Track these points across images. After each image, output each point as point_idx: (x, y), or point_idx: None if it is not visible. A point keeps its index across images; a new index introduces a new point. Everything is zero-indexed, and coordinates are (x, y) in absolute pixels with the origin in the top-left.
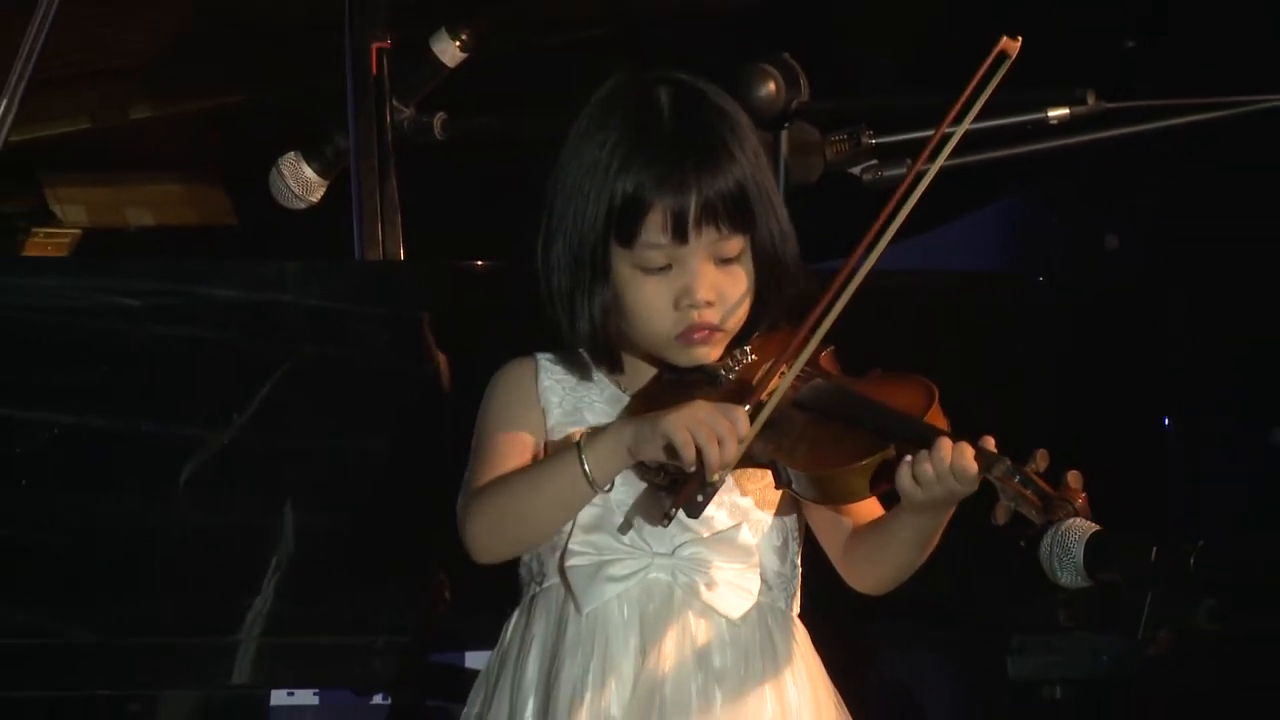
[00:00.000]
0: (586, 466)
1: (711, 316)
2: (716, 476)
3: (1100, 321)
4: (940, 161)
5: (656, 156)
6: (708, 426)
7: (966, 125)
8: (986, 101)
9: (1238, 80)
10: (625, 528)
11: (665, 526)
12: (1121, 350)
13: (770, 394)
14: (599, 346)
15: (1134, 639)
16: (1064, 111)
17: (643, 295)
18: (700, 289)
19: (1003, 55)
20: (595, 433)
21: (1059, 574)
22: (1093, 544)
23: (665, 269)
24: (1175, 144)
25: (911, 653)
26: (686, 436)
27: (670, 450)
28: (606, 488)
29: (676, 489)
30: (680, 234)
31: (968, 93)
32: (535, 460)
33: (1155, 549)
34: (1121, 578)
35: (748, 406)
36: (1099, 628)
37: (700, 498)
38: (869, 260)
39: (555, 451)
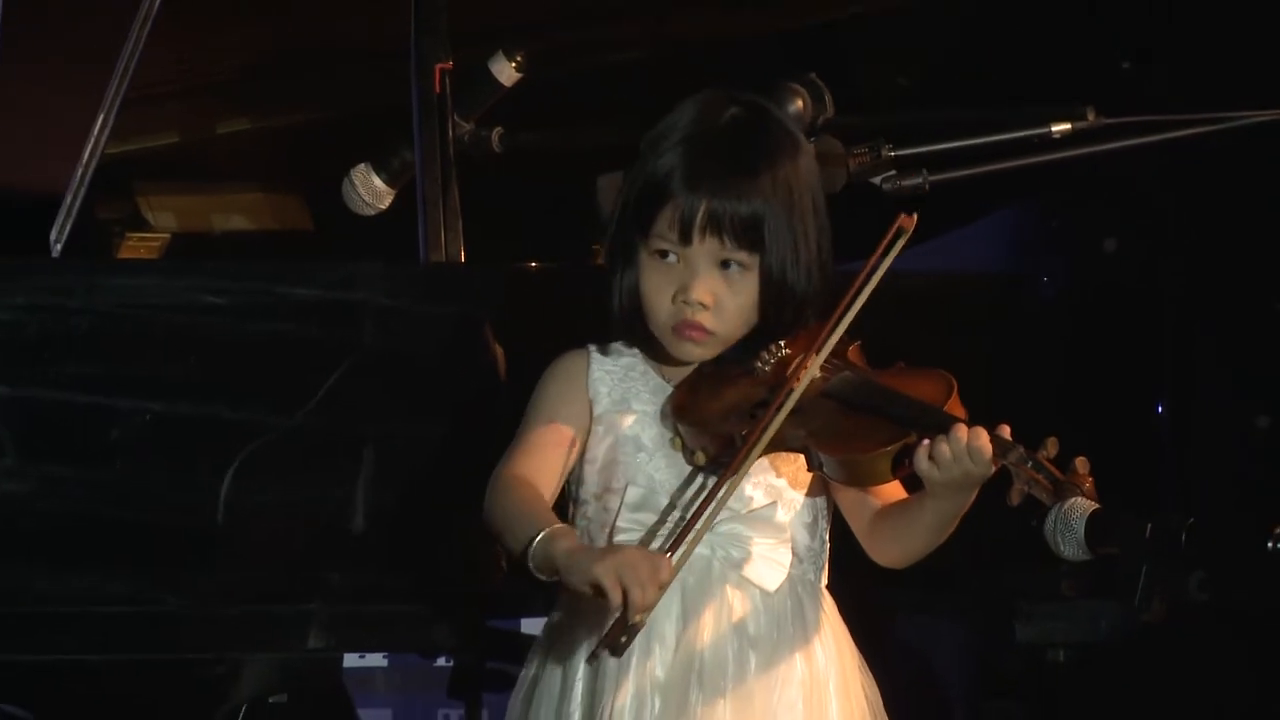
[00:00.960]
0: (530, 553)
1: (704, 318)
2: (639, 618)
3: (1098, 317)
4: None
5: (687, 155)
6: (633, 572)
7: (874, 284)
8: (995, 120)
9: (1222, 97)
10: (669, 508)
11: (593, 666)
12: (1117, 343)
13: (795, 386)
14: (625, 321)
15: (1130, 607)
16: (1066, 126)
17: (650, 282)
18: (696, 289)
19: (900, 230)
20: (553, 536)
21: (1062, 548)
22: (1093, 521)
23: (674, 263)
24: (1167, 155)
25: (928, 619)
26: (614, 581)
27: (597, 590)
28: (551, 579)
29: (605, 630)
30: (685, 235)
31: (873, 260)
32: (574, 452)
33: (1150, 525)
34: (1119, 551)
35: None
36: (1098, 597)
37: (624, 638)
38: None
39: (601, 438)
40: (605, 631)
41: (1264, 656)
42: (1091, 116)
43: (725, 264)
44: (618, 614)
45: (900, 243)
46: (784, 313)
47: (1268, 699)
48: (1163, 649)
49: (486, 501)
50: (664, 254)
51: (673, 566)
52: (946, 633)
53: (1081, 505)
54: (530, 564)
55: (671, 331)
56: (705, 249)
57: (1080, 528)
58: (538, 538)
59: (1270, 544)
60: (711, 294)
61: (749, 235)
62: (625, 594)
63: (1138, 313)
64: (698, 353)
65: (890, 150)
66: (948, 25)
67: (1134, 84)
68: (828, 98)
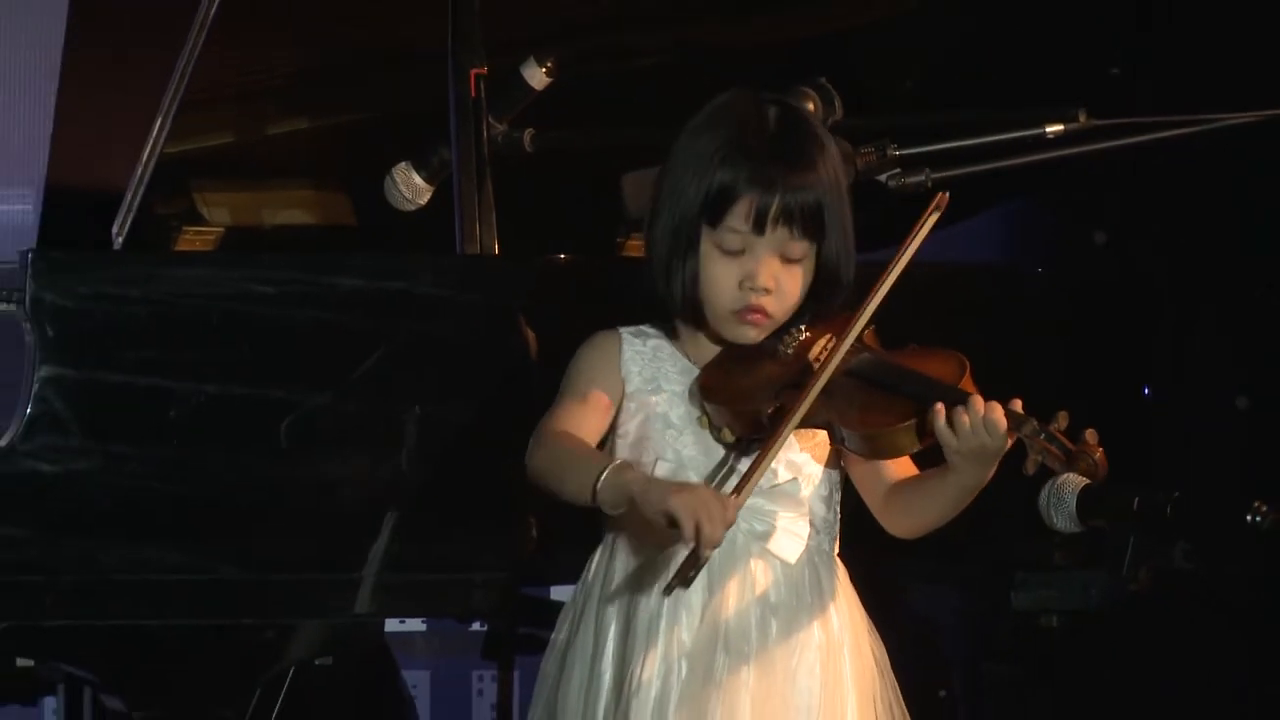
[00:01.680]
0: (598, 486)
1: (766, 302)
2: (708, 553)
3: (1089, 305)
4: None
5: (755, 157)
6: (705, 508)
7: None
8: (993, 122)
9: (1203, 100)
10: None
11: (667, 597)
12: (1107, 329)
13: (824, 366)
14: (688, 306)
15: (1119, 576)
16: (1059, 127)
17: (715, 270)
18: (762, 275)
19: (936, 207)
20: (620, 468)
21: (1055, 520)
22: (1084, 495)
23: (739, 253)
24: (1153, 154)
25: (931, 587)
26: (689, 514)
27: (670, 520)
28: (617, 510)
29: (677, 566)
30: (759, 226)
31: (908, 240)
32: (605, 422)
33: (1137, 499)
34: (1108, 524)
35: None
36: (1089, 566)
37: (693, 572)
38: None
39: (632, 415)
40: (676, 569)
41: (1246, 621)
42: (1083, 118)
43: (784, 257)
44: (689, 549)
45: (934, 219)
46: (834, 295)
47: (1251, 663)
48: (1149, 615)
49: (533, 456)
50: (726, 247)
51: (737, 507)
52: (948, 599)
53: (1073, 481)
54: (599, 495)
55: (733, 315)
56: (774, 238)
57: (1072, 501)
58: (607, 470)
59: (1249, 516)
60: (774, 279)
61: (813, 223)
62: (697, 528)
63: (1126, 301)
64: (754, 335)
65: (895, 150)
66: (948, 33)
67: (1123, 88)
68: (837, 101)
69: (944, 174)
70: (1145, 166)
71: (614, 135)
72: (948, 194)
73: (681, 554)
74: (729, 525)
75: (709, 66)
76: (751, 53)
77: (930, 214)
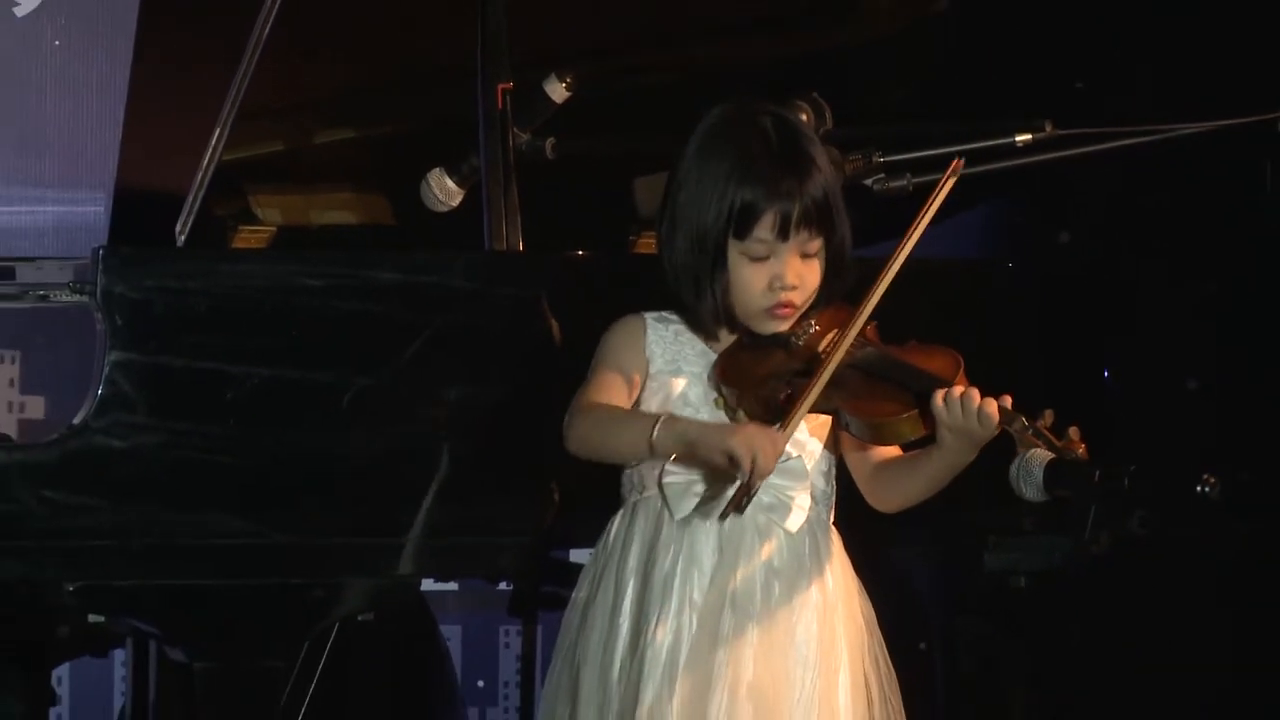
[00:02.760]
0: (654, 437)
1: (794, 297)
2: (759, 482)
3: (1054, 296)
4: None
5: (768, 174)
6: (759, 442)
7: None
8: (968, 131)
9: (1157, 112)
10: None
11: (723, 522)
12: (1070, 318)
13: (832, 356)
14: (721, 316)
15: (1081, 541)
16: (1028, 136)
17: (744, 276)
18: (789, 275)
19: (953, 172)
20: (672, 419)
21: (1024, 491)
22: (1050, 468)
23: (764, 258)
24: (1113, 161)
25: (912, 551)
26: (745, 452)
27: (730, 458)
28: (671, 456)
29: (731, 496)
30: (784, 233)
31: (936, 191)
32: (633, 397)
33: (1098, 472)
34: (1072, 494)
35: (796, 411)
36: (1054, 532)
37: (746, 500)
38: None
39: (654, 394)
40: (730, 498)
41: (1196, 580)
42: (1049, 128)
43: (803, 254)
44: (743, 482)
45: (952, 182)
46: (842, 280)
47: (1199, 618)
48: (1107, 575)
49: (572, 427)
50: (753, 255)
51: (786, 442)
52: (927, 563)
53: (1040, 455)
54: (655, 443)
55: (765, 312)
56: (797, 241)
57: (1039, 474)
58: (659, 422)
59: (1199, 487)
60: (799, 275)
61: (824, 218)
62: (754, 462)
63: (1087, 293)
64: (784, 326)
65: (880, 157)
66: (928, 51)
67: (1085, 101)
68: (827, 112)
69: (923, 179)
70: (1105, 172)
71: (626, 143)
72: (963, 160)
73: (727, 490)
74: (779, 457)
75: (712, 81)
76: (750, 68)
77: (947, 178)
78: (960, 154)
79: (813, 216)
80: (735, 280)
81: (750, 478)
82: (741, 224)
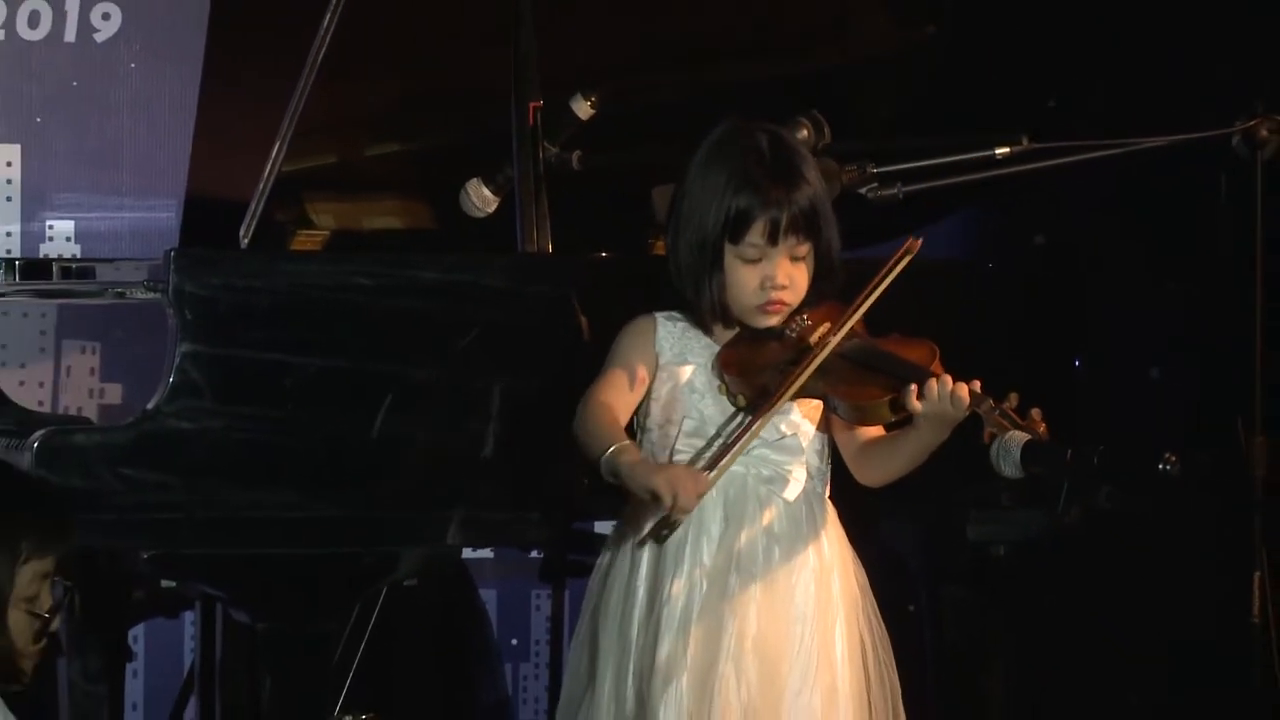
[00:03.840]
0: (602, 461)
1: (784, 296)
2: (681, 516)
3: (1030, 294)
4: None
5: (762, 184)
6: (679, 483)
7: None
8: (953, 144)
9: (1123, 127)
10: (715, 436)
11: (640, 549)
12: (1045, 313)
13: (820, 349)
14: (718, 312)
15: (1054, 514)
16: (1006, 149)
17: (739, 276)
18: (779, 276)
19: (907, 251)
20: (619, 450)
21: (1003, 469)
22: (1026, 448)
23: (757, 260)
24: (1083, 171)
25: (901, 523)
26: (666, 490)
27: (653, 495)
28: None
29: (651, 524)
30: (774, 238)
31: (882, 273)
32: (638, 391)
33: (1070, 452)
34: (1046, 472)
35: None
36: (1030, 507)
37: (665, 530)
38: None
39: (664, 382)
40: (652, 525)
41: (1157, 550)
42: (1025, 142)
43: (793, 257)
44: (664, 513)
45: (906, 260)
46: (831, 281)
47: (1157, 584)
48: (1077, 545)
49: (576, 419)
50: (747, 258)
51: (709, 481)
52: (914, 533)
53: (1017, 437)
54: (601, 470)
55: (757, 309)
56: (785, 245)
57: (1017, 454)
58: (608, 451)
59: (1161, 465)
60: (789, 276)
61: (812, 226)
62: (675, 499)
63: (1060, 291)
64: (775, 321)
65: (873, 168)
66: (917, 72)
67: (1057, 117)
68: (826, 128)
69: (913, 187)
70: (1076, 181)
71: (644, 156)
72: (920, 240)
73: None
74: (700, 495)
75: (723, 99)
76: (756, 88)
77: (901, 256)
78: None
79: (800, 224)
80: (731, 280)
81: (671, 513)
82: (736, 229)
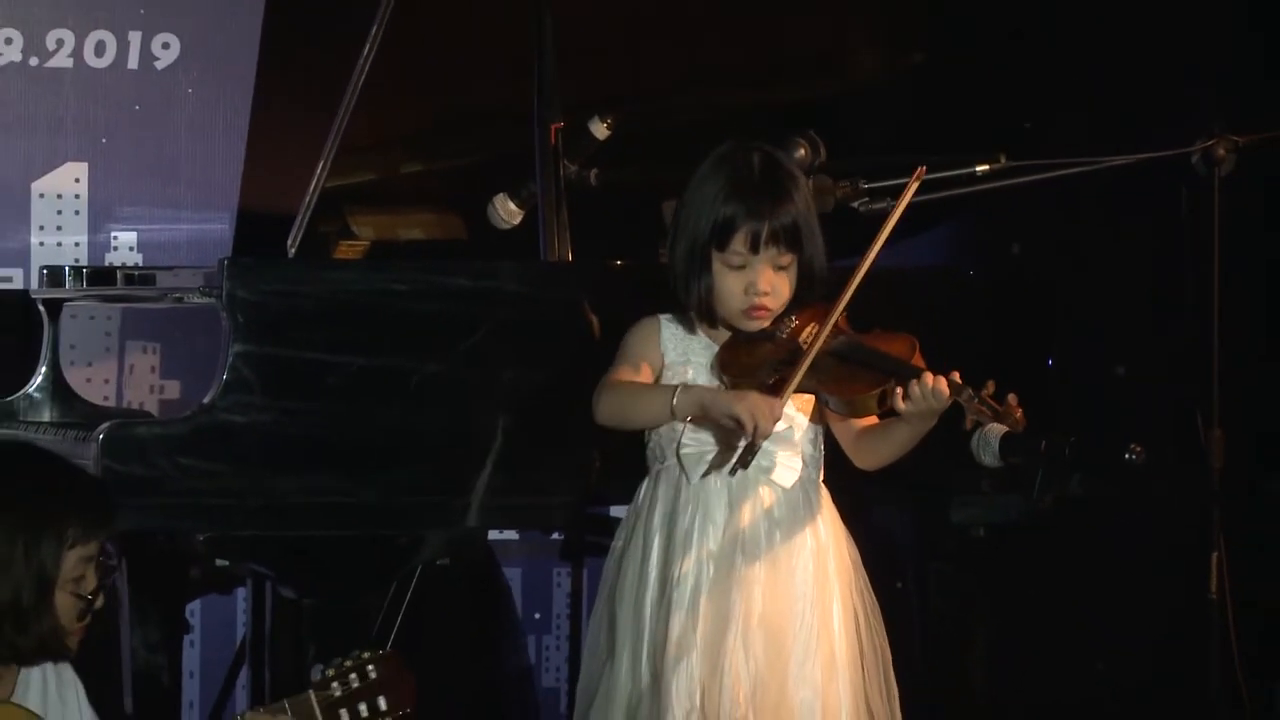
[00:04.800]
0: (675, 402)
1: (766, 301)
2: (761, 442)
3: (1007, 298)
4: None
5: (747, 197)
6: (759, 408)
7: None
8: (936, 161)
9: (1092, 147)
10: (716, 431)
11: (733, 477)
12: (1020, 316)
13: (811, 347)
14: (703, 311)
15: (1030, 499)
16: (985, 166)
17: (725, 283)
18: (761, 283)
19: (920, 176)
20: (689, 387)
21: (983, 458)
22: (1005, 439)
23: (741, 268)
24: (1055, 186)
25: (891, 507)
26: (748, 415)
27: (736, 421)
28: (688, 418)
29: (738, 454)
30: (755, 247)
31: (905, 194)
32: (652, 379)
33: (1044, 442)
34: (1023, 461)
35: (786, 387)
36: (1008, 492)
37: (749, 457)
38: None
39: (668, 381)
40: (737, 455)
41: (1116, 533)
42: (1003, 160)
43: (776, 267)
44: (747, 441)
45: (916, 184)
46: (814, 289)
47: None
48: (1050, 528)
49: (600, 402)
50: (732, 264)
51: (781, 407)
52: (904, 516)
53: (997, 429)
54: (676, 406)
55: (741, 313)
56: (767, 254)
57: (996, 444)
58: (679, 389)
59: (1127, 455)
60: (771, 284)
61: (793, 239)
62: (755, 424)
63: (1035, 294)
64: (759, 325)
65: (864, 183)
66: (905, 97)
67: (1031, 138)
68: (822, 147)
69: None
70: (1049, 195)
71: (655, 172)
72: (925, 167)
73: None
74: (776, 421)
75: (728, 121)
76: (759, 111)
77: (913, 183)
78: (924, 162)
79: (780, 236)
80: (717, 285)
81: (753, 437)
82: (722, 236)
